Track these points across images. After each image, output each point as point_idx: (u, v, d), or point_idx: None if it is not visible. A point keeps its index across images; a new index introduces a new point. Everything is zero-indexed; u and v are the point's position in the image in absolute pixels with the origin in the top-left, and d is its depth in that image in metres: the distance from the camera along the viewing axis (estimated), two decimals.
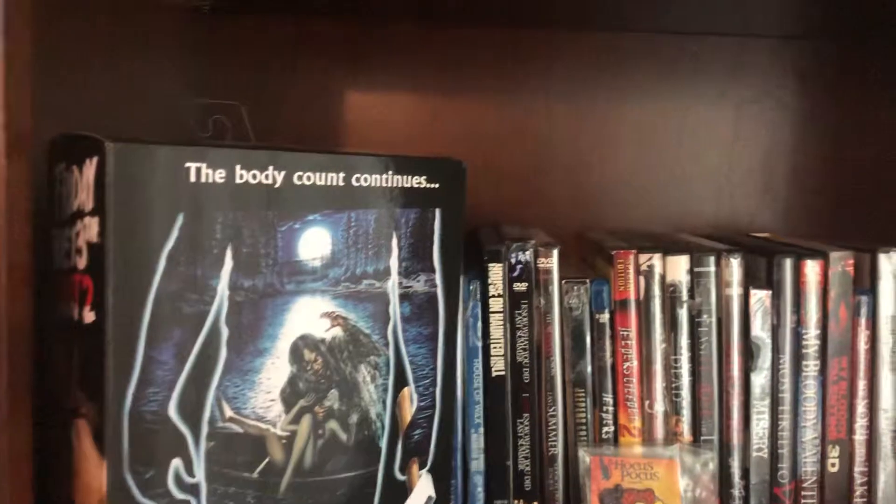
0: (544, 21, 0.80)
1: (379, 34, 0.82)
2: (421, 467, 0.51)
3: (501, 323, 0.64)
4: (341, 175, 0.44)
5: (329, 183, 0.44)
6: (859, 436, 0.65)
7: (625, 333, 0.64)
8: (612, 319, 0.64)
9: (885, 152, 0.85)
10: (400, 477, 0.49)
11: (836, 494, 0.65)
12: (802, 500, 0.65)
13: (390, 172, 0.46)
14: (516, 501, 0.65)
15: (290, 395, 0.44)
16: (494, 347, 0.64)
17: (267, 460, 0.43)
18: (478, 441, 0.65)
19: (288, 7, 0.77)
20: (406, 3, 0.73)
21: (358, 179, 0.45)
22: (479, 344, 0.64)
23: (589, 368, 0.64)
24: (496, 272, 0.63)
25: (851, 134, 0.85)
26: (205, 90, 0.80)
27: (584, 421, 0.65)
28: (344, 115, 0.83)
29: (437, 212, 0.49)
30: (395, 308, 0.48)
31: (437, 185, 0.49)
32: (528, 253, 0.63)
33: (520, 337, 0.64)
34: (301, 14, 0.80)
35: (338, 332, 0.46)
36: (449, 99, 0.84)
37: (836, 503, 0.65)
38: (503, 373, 0.64)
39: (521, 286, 0.63)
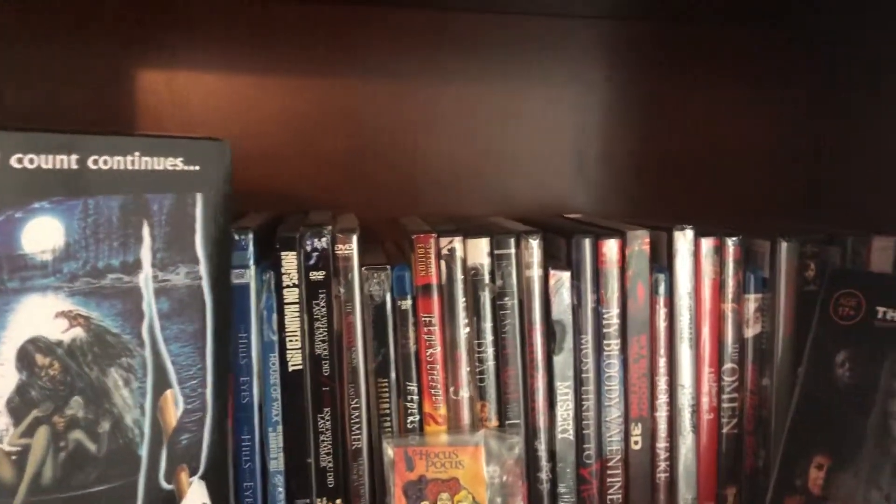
0: None
1: (183, 8, 0.76)
2: (192, 474, 0.47)
3: (298, 314, 0.60)
4: (73, 157, 0.40)
5: (58, 166, 0.39)
6: (661, 412, 0.66)
7: (428, 319, 0.62)
8: (414, 306, 0.62)
9: (694, 134, 0.87)
10: (166, 486, 0.45)
11: (640, 471, 0.66)
12: (608, 479, 0.65)
13: (137, 154, 0.42)
14: (319, 500, 0.62)
15: (19, 405, 0.39)
16: (291, 341, 0.60)
17: None
18: (276, 439, 0.61)
19: None
20: None
21: (96, 162, 0.40)
22: (275, 338, 0.60)
23: (392, 357, 0.62)
24: (290, 261, 0.60)
25: (662, 116, 0.87)
26: None
27: (388, 412, 0.63)
28: (139, 97, 0.77)
29: (198, 196, 0.45)
30: (150, 304, 0.43)
31: (196, 168, 0.45)
32: (324, 240, 0.60)
33: (318, 328, 0.61)
34: None
35: (78, 332, 0.41)
36: (261, 79, 0.79)
37: (640, 480, 0.66)
38: (301, 367, 0.61)
39: (318, 275, 0.60)
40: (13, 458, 0.39)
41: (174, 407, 0.45)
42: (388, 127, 0.82)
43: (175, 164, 0.44)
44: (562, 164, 0.85)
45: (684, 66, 0.86)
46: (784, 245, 0.66)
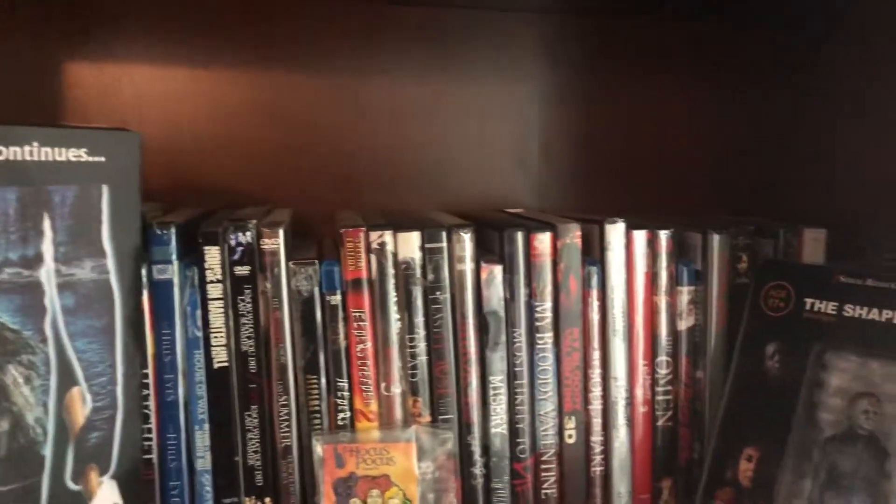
0: None
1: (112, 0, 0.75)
2: (102, 473, 0.45)
3: (223, 310, 0.59)
4: None
5: None
6: (595, 406, 0.66)
7: (358, 315, 0.61)
8: (344, 301, 0.61)
9: (636, 129, 0.87)
10: (73, 486, 0.44)
11: (575, 465, 0.66)
12: (542, 474, 0.65)
13: (35, 144, 0.40)
14: (248, 499, 0.61)
15: None
16: (216, 337, 0.59)
17: None
18: (203, 438, 0.60)
19: None
20: None
21: None
22: (200, 334, 0.59)
23: (321, 353, 0.61)
24: (213, 256, 0.59)
25: (604, 111, 0.86)
26: None
27: (318, 409, 0.62)
28: (68, 90, 0.75)
29: (105, 188, 0.44)
30: (52, 299, 0.42)
31: (101, 159, 0.44)
32: (248, 234, 0.59)
33: (244, 324, 0.60)
34: None
35: None
36: (192, 71, 0.78)
37: (574, 474, 0.66)
38: (227, 364, 0.59)
39: (242, 270, 0.59)
40: None
41: (81, 404, 0.44)
42: (325, 121, 0.81)
43: (78, 154, 0.43)
44: (503, 159, 0.84)
45: (626, 62, 0.86)
46: (716, 238, 0.66)
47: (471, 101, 0.83)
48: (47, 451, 0.43)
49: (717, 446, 0.62)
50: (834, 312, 0.58)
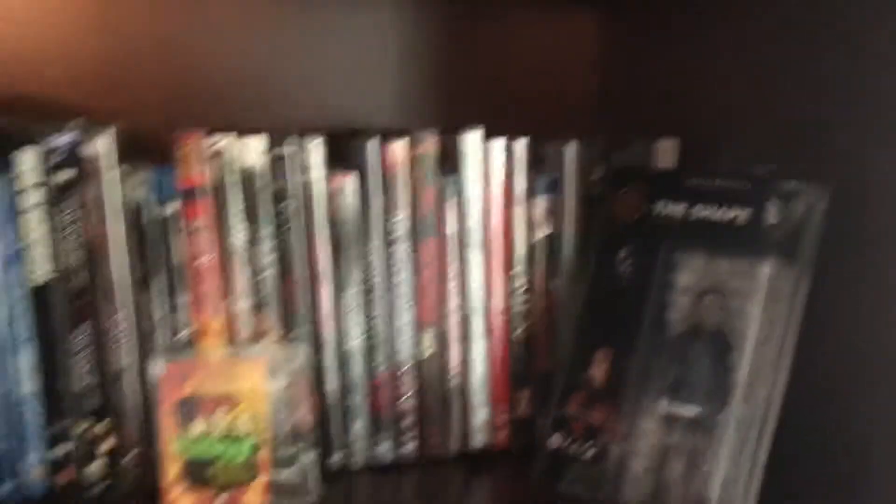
0: None
1: None
2: None
3: (42, 221, 0.54)
4: None
5: None
6: (452, 319, 0.65)
7: (196, 226, 0.57)
8: (183, 210, 0.57)
9: (497, 49, 0.85)
10: None
11: (432, 379, 0.65)
12: (399, 388, 0.64)
13: None
14: (83, 422, 0.57)
15: None
16: (35, 250, 0.54)
17: None
18: (28, 360, 0.55)
19: None
20: None
21: None
22: (16, 248, 0.54)
23: (158, 267, 0.57)
24: (29, 160, 0.53)
25: (467, 31, 0.84)
26: None
27: (157, 326, 0.58)
28: None
29: None
30: None
31: None
32: (71, 135, 0.54)
33: (68, 236, 0.55)
34: None
35: None
36: None
37: (432, 388, 0.65)
38: (50, 279, 0.55)
39: (64, 175, 0.54)
40: None
41: None
42: (165, 32, 0.75)
43: None
44: (362, 78, 0.81)
45: None
46: (572, 147, 0.66)
47: (337, 17, 0.79)
48: None
49: (571, 351, 0.62)
50: (682, 214, 0.59)
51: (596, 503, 0.57)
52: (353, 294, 0.61)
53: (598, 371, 0.60)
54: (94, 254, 0.55)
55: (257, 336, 0.60)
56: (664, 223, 0.60)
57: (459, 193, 0.63)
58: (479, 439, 0.66)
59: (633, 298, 0.60)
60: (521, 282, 0.66)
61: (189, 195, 0.57)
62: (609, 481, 0.57)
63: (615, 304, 0.61)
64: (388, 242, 0.62)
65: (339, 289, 0.61)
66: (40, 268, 0.54)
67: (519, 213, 0.65)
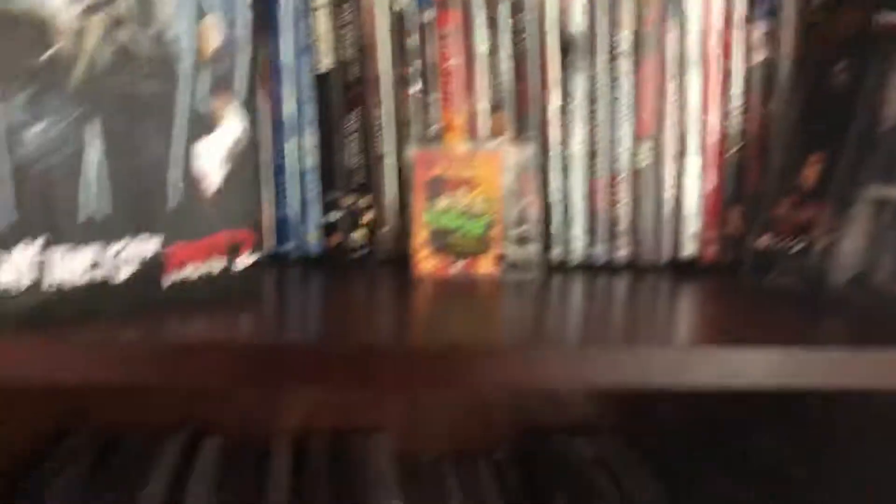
0: None
1: None
2: (231, 101, 0.53)
3: (326, 19, 0.66)
4: None
5: None
6: (668, 133, 0.70)
7: (447, 32, 0.67)
8: (437, 18, 0.67)
9: None
10: (202, 109, 0.51)
11: (648, 188, 0.70)
12: (616, 195, 0.70)
13: None
14: (350, 195, 0.68)
15: None
16: (321, 43, 0.66)
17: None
18: (311, 139, 0.67)
19: None
20: None
21: None
22: (307, 41, 0.66)
23: (415, 68, 0.67)
24: None
25: None
26: None
27: (411, 119, 0.68)
28: None
29: None
30: None
31: None
32: None
33: (346, 34, 0.66)
34: None
35: None
36: None
37: (647, 197, 0.70)
38: (330, 69, 0.66)
39: None
40: (73, 34, 0.46)
41: (215, 31, 0.51)
42: None
43: None
44: None
45: None
46: None
47: None
48: (183, 68, 0.50)
49: (782, 160, 0.65)
50: None
51: (803, 291, 0.60)
52: (578, 102, 0.68)
53: (810, 173, 0.63)
54: (366, 51, 0.66)
55: (494, 133, 0.68)
56: (883, 34, 0.61)
57: (681, 14, 0.68)
58: (689, 250, 0.71)
59: (848, 105, 0.62)
60: (737, 103, 0.70)
61: (443, 5, 0.66)
62: (816, 269, 0.60)
63: (829, 113, 0.63)
64: (612, 57, 0.68)
65: (565, 96, 0.68)
66: (324, 58, 0.66)
67: (738, 36, 0.69)
